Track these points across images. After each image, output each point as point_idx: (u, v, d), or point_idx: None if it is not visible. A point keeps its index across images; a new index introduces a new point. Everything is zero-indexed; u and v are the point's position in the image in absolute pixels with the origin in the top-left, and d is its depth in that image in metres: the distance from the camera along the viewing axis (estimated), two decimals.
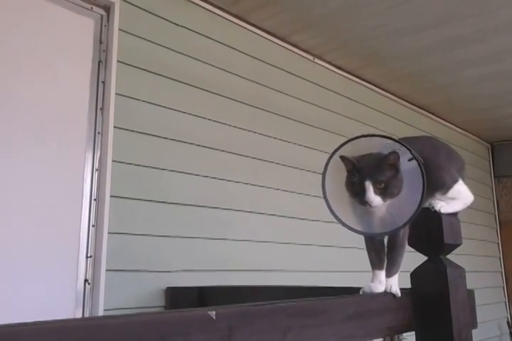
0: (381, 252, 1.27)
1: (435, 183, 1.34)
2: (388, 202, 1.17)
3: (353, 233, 1.23)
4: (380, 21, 2.94)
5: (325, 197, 1.25)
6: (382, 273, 1.25)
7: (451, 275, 1.25)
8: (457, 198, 1.38)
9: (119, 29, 2.26)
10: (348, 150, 1.23)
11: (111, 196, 2.09)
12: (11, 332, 0.57)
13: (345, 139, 1.28)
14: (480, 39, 3.15)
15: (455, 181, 1.39)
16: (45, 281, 1.91)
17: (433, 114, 4.56)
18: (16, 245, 1.86)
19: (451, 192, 1.37)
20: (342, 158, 1.22)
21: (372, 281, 1.25)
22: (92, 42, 2.21)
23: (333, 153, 1.25)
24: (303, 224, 2.98)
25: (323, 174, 1.26)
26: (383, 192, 1.15)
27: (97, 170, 2.11)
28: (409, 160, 1.18)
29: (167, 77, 2.42)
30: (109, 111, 2.15)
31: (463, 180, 1.45)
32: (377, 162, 1.18)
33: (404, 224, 1.18)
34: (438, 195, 1.36)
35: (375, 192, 1.15)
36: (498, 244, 5.36)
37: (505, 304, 5.20)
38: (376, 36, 3.12)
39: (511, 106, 4.41)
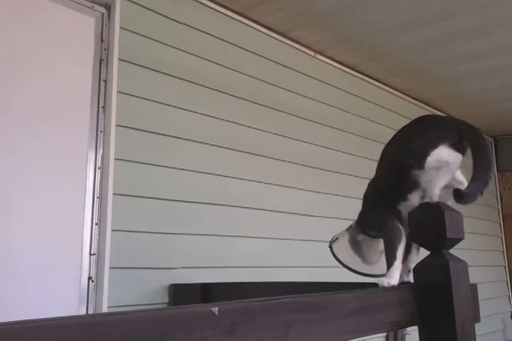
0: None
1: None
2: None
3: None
4: (381, 16, 2.93)
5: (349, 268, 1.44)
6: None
7: (453, 269, 1.25)
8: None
9: (120, 27, 2.26)
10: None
11: (114, 194, 2.10)
12: (15, 330, 0.58)
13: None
14: (482, 33, 3.14)
15: (413, 188, 1.28)
16: (49, 279, 1.92)
17: (435, 108, 4.55)
18: (19, 243, 1.87)
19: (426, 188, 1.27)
20: None
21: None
22: (93, 41, 2.21)
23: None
24: (306, 221, 2.98)
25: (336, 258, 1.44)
26: None
27: (99, 168, 2.11)
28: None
29: (168, 75, 2.42)
30: (111, 109, 2.16)
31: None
32: None
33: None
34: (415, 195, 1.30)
35: None
36: (502, 238, 5.35)
37: (509, 298, 5.21)
38: (377, 31, 3.11)
39: None
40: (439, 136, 1.28)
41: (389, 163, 1.38)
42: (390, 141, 1.43)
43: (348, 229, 1.45)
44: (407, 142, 1.33)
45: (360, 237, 1.42)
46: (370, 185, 1.48)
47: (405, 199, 1.35)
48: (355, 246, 1.43)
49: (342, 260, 1.43)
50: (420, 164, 1.26)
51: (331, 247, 1.44)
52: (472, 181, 1.24)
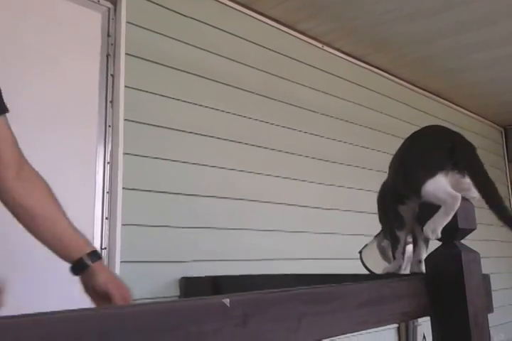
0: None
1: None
2: None
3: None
4: (388, 7, 2.90)
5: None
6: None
7: (465, 259, 1.24)
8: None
9: (127, 22, 2.26)
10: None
11: (123, 188, 2.10)
12: (30, 322, 0.59)
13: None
14: (491, 22, 3.10)
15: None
16: (61, 273, 1.93)
17: (444, 99, 4.51)
18: (31, 239, 1.88)
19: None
20: None
21: None
22: (99, 36, 2.21)
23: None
24: (314, 213, 2.98)
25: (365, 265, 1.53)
26: None
27: (108, 163, 2.12)
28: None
29: (175, 69, 2.42)
30: (119, 104, 2.16)
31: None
32: None
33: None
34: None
35: None
36: None
37: None
38: (385, 22, 3.08)
39: None
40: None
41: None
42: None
43: (376, 236, 1.51)
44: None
45: (385, 243, 1.45)
46: (381, 187, 1.51)
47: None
48: (382, 251, 1.47)
49: (368, 265, 1.48)
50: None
51: (360, 253, 1.50)
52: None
